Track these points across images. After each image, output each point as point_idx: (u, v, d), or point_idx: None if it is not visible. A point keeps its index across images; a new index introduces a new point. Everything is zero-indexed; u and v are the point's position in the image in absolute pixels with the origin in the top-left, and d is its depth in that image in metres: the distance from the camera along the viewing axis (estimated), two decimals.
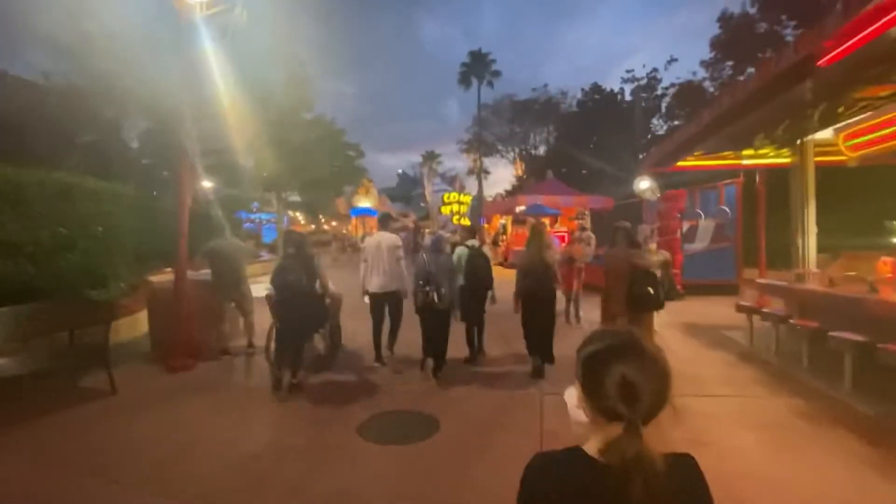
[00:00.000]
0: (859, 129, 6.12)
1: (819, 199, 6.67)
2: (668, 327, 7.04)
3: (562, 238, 18.60)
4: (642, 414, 0.79)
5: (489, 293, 5.59)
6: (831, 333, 4.36)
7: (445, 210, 30.80)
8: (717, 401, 4.18)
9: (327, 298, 5.29)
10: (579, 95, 32.92)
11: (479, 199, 34.65)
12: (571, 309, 8.02)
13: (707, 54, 25.65)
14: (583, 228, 11.78)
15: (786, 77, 4.95)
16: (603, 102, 29.58)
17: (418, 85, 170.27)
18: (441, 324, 4.98)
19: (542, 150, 36.63)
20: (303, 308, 4.65)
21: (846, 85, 5.30)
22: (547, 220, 18.66)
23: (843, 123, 6.27)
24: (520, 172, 37.02)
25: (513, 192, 28.03)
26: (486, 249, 6.10)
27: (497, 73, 38.67)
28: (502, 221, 22.71)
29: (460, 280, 5.46)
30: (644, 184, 11.31)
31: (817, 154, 6.98)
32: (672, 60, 29.93)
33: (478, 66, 38.51)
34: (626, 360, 0.83)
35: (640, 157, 19.41)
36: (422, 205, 48.71)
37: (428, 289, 4.83)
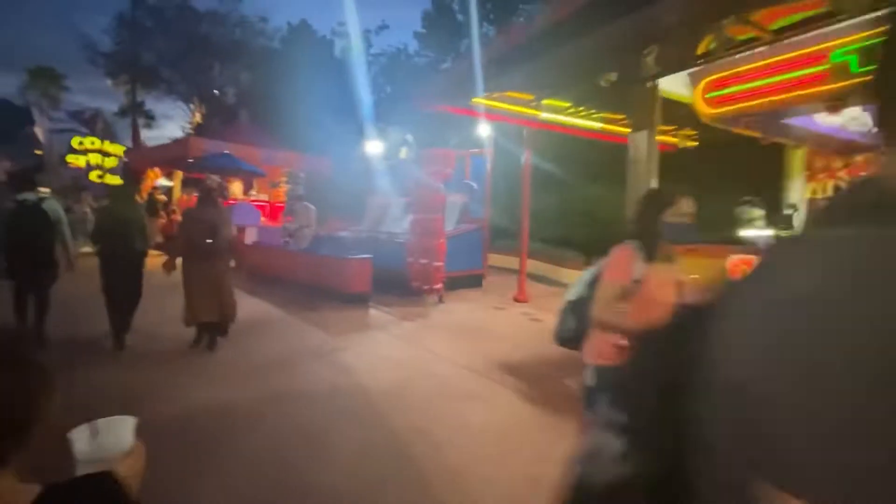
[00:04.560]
0: (723, 78, 4.31)
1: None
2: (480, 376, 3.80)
3: (269, 211, 13.42)
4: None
5: None
6: None
7: (77, 161, 20.62)
8: None
9: None
10: (284, 31, 27.18)
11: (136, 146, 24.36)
12: None
13: (419, 26, 24.85)
14: (298, 197, 8.05)
15: None
16: (313, 47, 25.01)
17: None
18: None
19: (231, 96, 28.71)
20: None
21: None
22: (236, 184, 13.20)
23: (699, 68, 4.42)
24: (199, 120, 28.04)
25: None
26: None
27: None
28: (164, 182, 15.54)
29: None
30: (395, 138, 7.92)
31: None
32: (383, 27, 28.12)
33: None
34: None
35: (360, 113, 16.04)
36: (35, 152, 31.28)
37: None
